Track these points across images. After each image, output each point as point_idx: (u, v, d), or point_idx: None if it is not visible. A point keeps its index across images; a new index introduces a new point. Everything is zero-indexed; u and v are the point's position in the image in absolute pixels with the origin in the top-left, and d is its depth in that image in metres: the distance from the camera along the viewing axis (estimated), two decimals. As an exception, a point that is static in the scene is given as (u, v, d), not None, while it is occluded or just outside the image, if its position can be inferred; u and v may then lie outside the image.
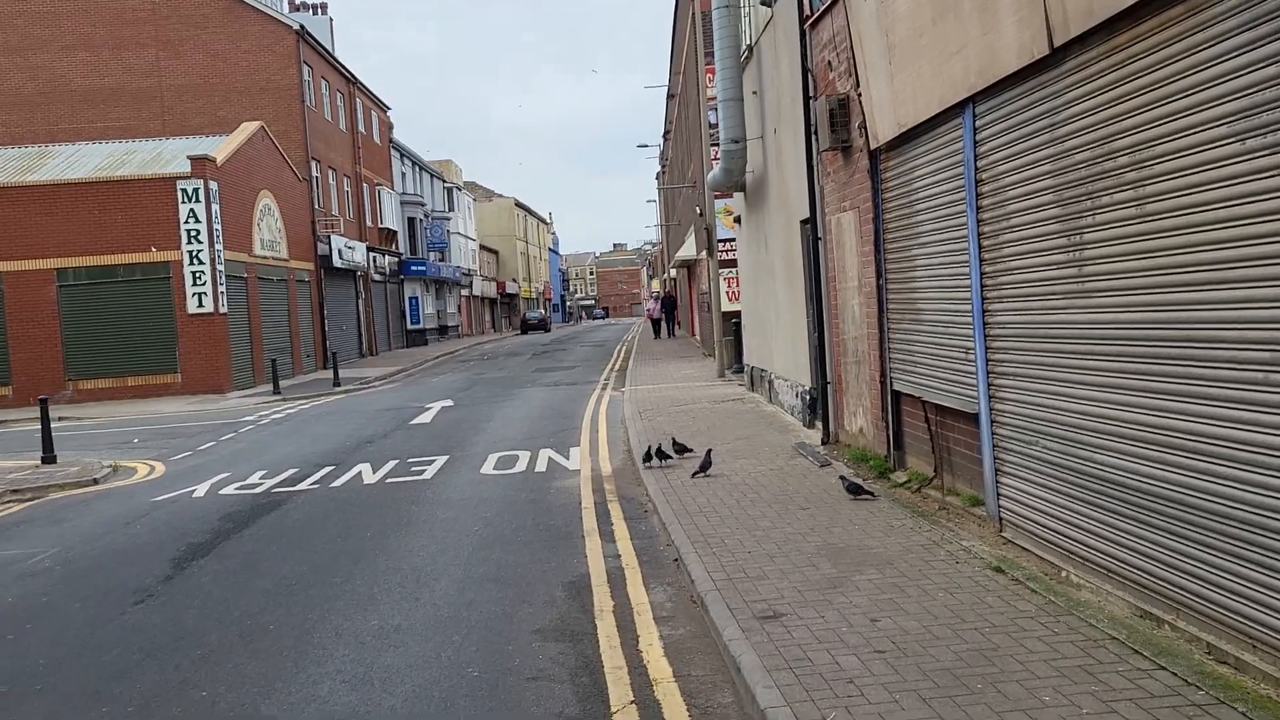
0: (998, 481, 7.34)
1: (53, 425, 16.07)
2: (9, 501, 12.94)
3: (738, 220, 19.25)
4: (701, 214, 26.26)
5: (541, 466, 12.67)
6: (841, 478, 9.38)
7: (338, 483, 12.38)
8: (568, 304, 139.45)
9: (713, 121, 20.66)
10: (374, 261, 47.19)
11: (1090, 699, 4.58)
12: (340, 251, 40.45)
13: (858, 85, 9.82)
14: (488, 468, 12.79)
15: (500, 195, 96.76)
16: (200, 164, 27.96)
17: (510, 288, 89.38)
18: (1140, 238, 5.33)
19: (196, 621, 7.12)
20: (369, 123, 49.20)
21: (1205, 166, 4.78)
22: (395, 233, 52.43)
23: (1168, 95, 5.01)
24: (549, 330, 75.84)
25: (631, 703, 5.25)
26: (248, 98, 37.85)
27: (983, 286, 7.33)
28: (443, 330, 61.68)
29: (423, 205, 58.41)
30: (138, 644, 6.70)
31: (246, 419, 21.00)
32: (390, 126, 55.33)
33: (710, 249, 24.00)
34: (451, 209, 68.62)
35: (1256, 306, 4.55)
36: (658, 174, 67.38)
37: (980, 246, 7.32)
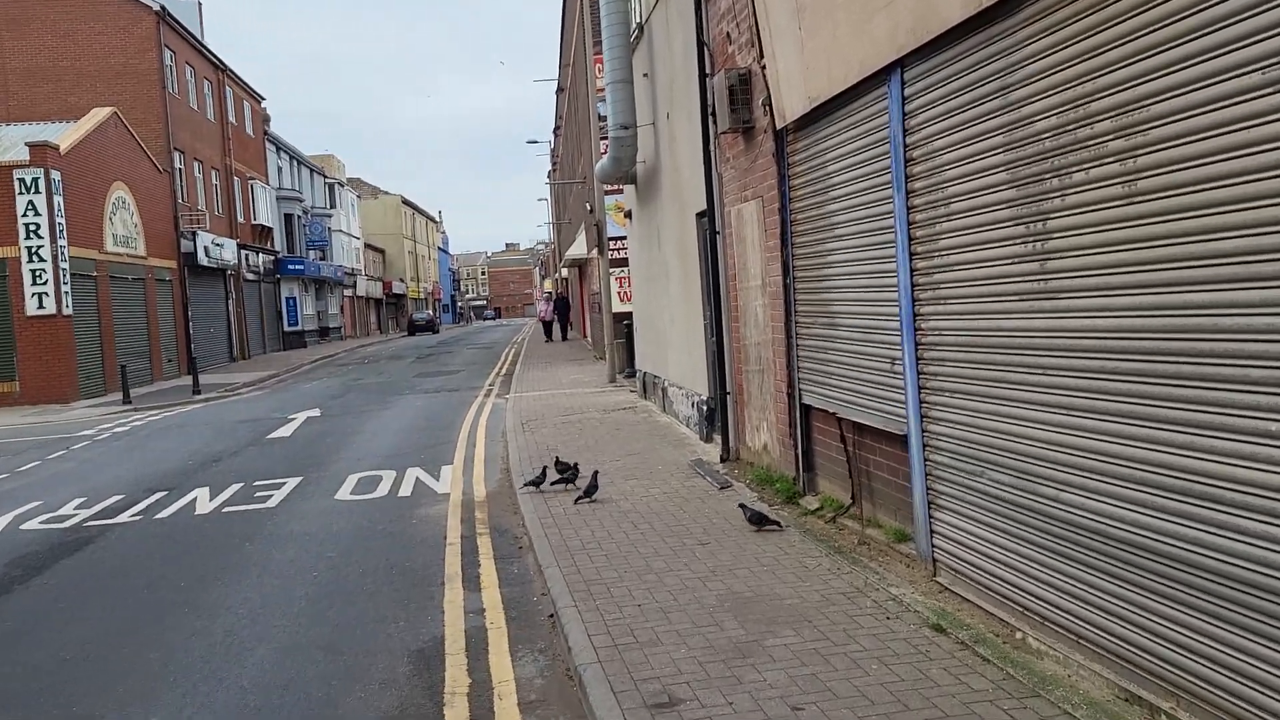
0: (931, 516, 6.20)
1: None
2: None
3: (628, 215, 17.99)
4: (591, 210, 24.97)
5: (407, 490, 11.16)
6: (743, 505, 8.16)
7: (166, 513, 10.67)
8: (459, 304, 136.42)
9: (602, 113, 19.35)
10: (246, 260, 44.53)
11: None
12: (207, 249, 37.85)
13: (761, 57, 8.63)
14: (344, 492, 11.23)
15: (387, 192, 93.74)
16: (40, 152, 25.43)
17: (397, 288, 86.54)
18: (1129, 224, 4.20)
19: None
20: (241, 113, 46.45)
21: (1226, 128, 3.66)
22: (271, 230, 49.70)
23: (1175, 37, 3.88)
24: (437, 331, 73.54)
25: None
26: (102, 83, 35.02)
27: (914, 286, 6.18)
28: (324, 332, 58.99)
29: (301, 201, 55.70)
30: None
31: (85, 433, 18.85)
32: (266, 119, 52.50)
33: (600, 247, 22.72)
34: (334, 206, 65.77)
35: (1301, 311, 3.45)
36: (550, 172, 65.85)
37: (910, 239, 6.18)
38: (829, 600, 6.07)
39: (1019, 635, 5.18)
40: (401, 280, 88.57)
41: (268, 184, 49.93)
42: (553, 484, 10.05)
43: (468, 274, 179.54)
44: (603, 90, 16.64)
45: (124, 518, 10.57)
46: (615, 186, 21.11)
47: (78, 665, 6.17)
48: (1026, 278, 4.96)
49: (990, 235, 5.26)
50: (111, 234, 29.64)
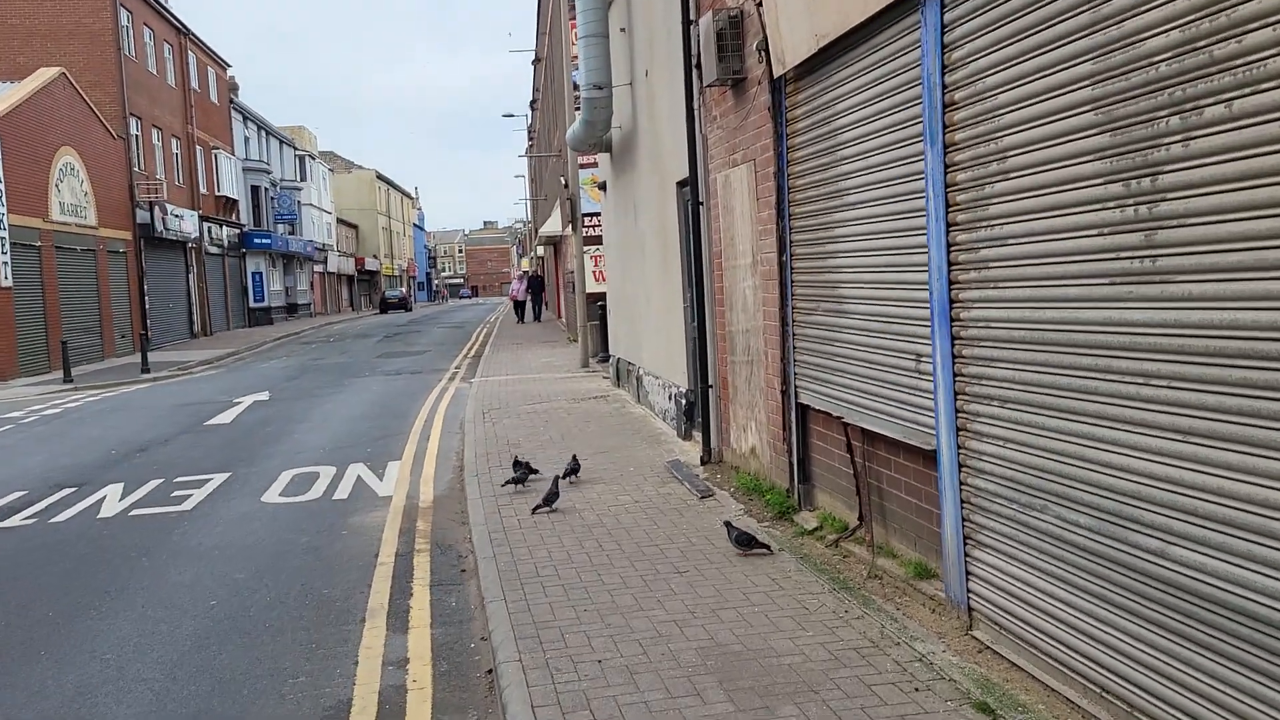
0: (967, 554, 4.94)
1: None
2: None
3: (602, 188, 16.62)
4: (565, 184, 23.56)
5: (345, 491, 9.82)
6: (728, 524, 6.87)
7: (64, 515, 9.29)
8: (434, 283, 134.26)
9: (577, 81, 17.96)
10: (209, 232, 42.79)
11: None
12: (165, 220, 36.13)
13: (757, -8, 7.30)
14: (273, 493, 9.87)
15: (361, 167, 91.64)
16: (-24, 112, 23.78)
17: (371, 264, 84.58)
18: (1303, 174, 2.92)
19: None
20: (204, 79, 44.58)
21: None
22: (236, 202, 47.89)
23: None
24: (410, 310, 71.87)
25: None
26: (53, 42, 33.17)
27: (950, 265, 4.90)
28: (292, 309, 57.23)
29: (269, 173, 53.84)
30: None
31: (11, 415, 17.36)
32: (234, 87, 50.62)
33: (574, 223, 21.33)
34: (304, 179, 63.84)
35: None
36: (528, 148, 64.15)
37: (948, 205, 4.89)
38: (838, 659, 4.80)
39: (1096, 726, 3.93)
40: (375, 257, 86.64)
41: (233, 154, 48.11)
42: (504, 485, 8.81)
43: (445, 252, 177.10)
44: (578, 58, 15.22)
45: (15, 520, 9.19)
46: (591, 160, 19.74)
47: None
48: (1124, 254, 3.68)
49: (1068, 197, 3.97)
50: (58, 202, 27.97)
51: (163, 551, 7.89)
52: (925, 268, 5.16)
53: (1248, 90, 3.08)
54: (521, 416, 13.41)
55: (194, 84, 42.68)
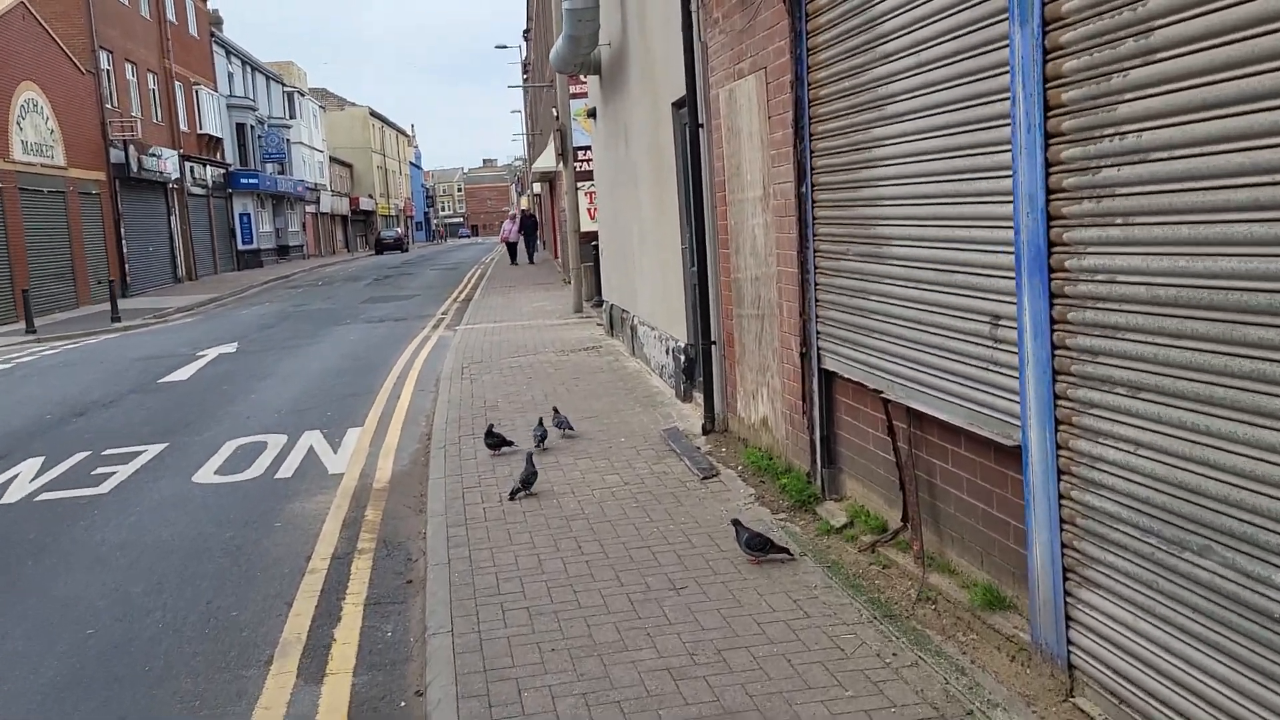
0: (1068, 594, 3.59)
1: None
2: None
3: (592, 115, 15.05)
4: (557, 116, 21.93)
5: (290, 468, 8.48)
6: (736, 522, 5.49)
7: (-38, 500, 7.99)
8: (433, 222, 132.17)
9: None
10: (191, 173, 41.02)
11: None
12: (142, 159, 34.44)
13: None
14: (208, 470, 8.54)
15: (354, 104, 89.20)
16: (-78, 43, 22.10)
17: (366, 204, 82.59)
18: None
19: None
20: (183, 11, 42.50)
21: None
22: (220, 140, 46.07)
23: None
24: (406, 250, 70.24)
25: None
26: (14, -30, 31.22)
27: (1050, 192, 3.47)
28: (283, 251, 55.63)
29: (255, 110, 51.87)
30: None
31: (-43, 372, 16.02)
32: (217, 21, 48.53)
33: (566, 157, 19.76)
34: (293, 116, 61.80)
35: None
36: (523, 80, 61.92)
37: (1047, 107, 3.45)
38: (892, 740, 3.48)
39: None
40: (370, 196, 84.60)
41: (216, 90, 46.15)
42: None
43: (444, 190, 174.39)
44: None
45: (-97, 507, 7.89)
46: (582, 89, 18.14)
47: None
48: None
49: (1255, 85, 2.54)
50: (20, 140, 26.36)
51: (57, 551, 6.58)
52: (1008, 197, 3.74)
53: None
54: (504, 372, 12.04)
55: (171, 16, 40.64)
